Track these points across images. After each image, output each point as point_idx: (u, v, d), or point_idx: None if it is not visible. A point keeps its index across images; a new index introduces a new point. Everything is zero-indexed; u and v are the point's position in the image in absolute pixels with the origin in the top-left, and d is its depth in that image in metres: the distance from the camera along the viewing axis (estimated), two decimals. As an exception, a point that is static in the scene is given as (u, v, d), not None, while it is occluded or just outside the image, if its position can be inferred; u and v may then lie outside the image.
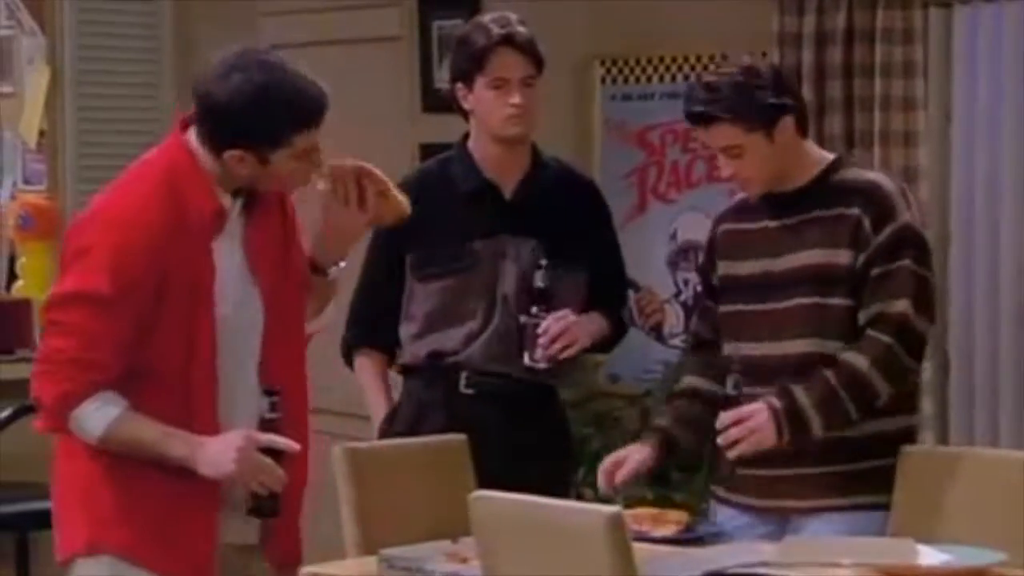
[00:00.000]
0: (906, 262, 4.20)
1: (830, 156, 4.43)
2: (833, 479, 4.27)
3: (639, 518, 4.39)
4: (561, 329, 4.71)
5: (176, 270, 3.86)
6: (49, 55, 6.74)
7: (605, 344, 4.94)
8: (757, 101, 4.24)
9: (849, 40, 5.58)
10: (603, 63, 6.22)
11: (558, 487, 4.68)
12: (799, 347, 4.26)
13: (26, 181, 6.73)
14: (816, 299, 4.25)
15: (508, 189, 4.81)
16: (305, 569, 4.41)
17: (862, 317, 4.22)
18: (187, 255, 3.88)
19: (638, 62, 6.15)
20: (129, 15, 6.83)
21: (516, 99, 4.70)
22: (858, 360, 4.19)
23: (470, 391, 4.81)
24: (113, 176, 4.26)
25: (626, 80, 6.20)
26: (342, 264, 4.13)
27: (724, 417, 4.19)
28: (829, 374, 4.18)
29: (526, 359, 4.75)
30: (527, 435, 4.79)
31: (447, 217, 4.76)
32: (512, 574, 3.94)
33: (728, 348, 4.40)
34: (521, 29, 4.77)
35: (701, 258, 4.68)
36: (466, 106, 4.78)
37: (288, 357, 4.06)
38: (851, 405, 4.18)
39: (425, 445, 4.88)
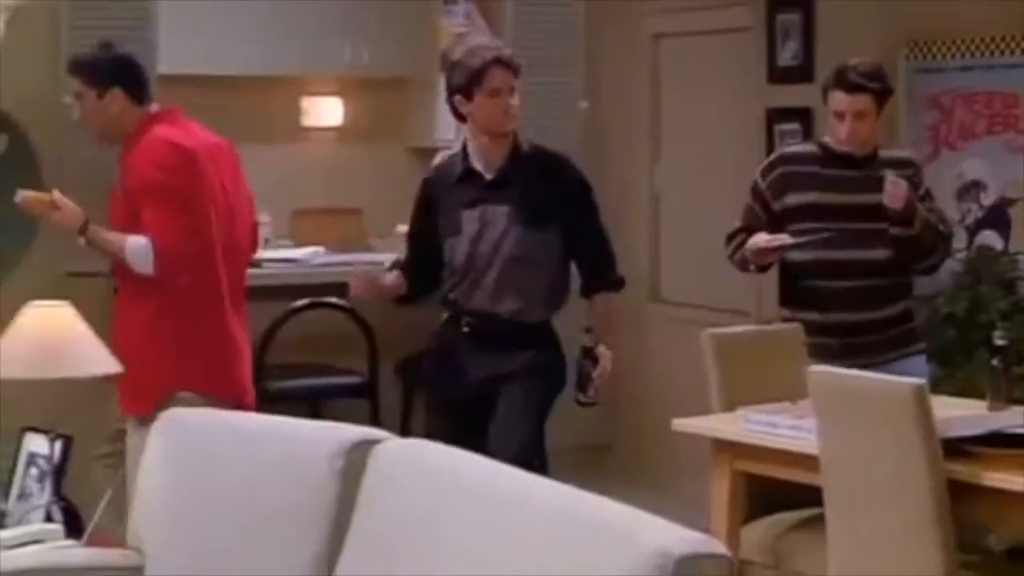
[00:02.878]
0: (932, 202, 4.87)
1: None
2: (887, 342, 4.77)
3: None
4: (604, 371, 4.64)
5: None
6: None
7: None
8: (885, 83, 4.79)
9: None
10: (907, 44, 6.15)
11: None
12: (880, 255, 4.76)
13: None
14: (884, 224, 4.74)
15: (491, 172, 4.67)
16: (678, 420, 4.54)
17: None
18: None
19: (934, 43, 6.04)
20: (552, 18, 6.74)
21: (514, 101, 4.61)
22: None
23: (466, 329, 4.71)
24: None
25: (924, 57, 6.08)
26: (82, 240, 4.60)
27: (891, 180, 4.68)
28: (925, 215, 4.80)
29: (580, 396, 4.64)
30: (502, 363, 4.62)
31: (448, 195, 4.73)
32: (840, 429, 4.01)
33: (810, 254, 4.77)
34: (506, 51, 4.65)
35: (764, 186, 4.87)
36: (463, 111, 4.64)
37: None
38: (935, 225, 4.77)
39: (768, 331, 4.92)
